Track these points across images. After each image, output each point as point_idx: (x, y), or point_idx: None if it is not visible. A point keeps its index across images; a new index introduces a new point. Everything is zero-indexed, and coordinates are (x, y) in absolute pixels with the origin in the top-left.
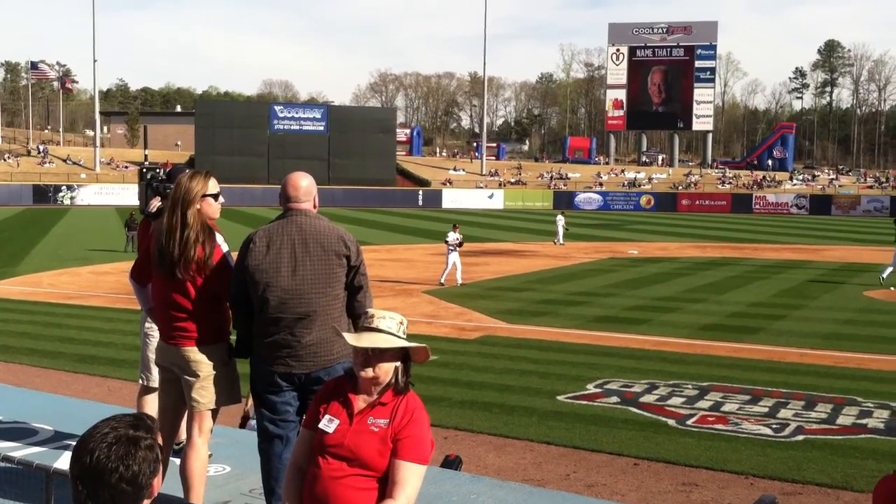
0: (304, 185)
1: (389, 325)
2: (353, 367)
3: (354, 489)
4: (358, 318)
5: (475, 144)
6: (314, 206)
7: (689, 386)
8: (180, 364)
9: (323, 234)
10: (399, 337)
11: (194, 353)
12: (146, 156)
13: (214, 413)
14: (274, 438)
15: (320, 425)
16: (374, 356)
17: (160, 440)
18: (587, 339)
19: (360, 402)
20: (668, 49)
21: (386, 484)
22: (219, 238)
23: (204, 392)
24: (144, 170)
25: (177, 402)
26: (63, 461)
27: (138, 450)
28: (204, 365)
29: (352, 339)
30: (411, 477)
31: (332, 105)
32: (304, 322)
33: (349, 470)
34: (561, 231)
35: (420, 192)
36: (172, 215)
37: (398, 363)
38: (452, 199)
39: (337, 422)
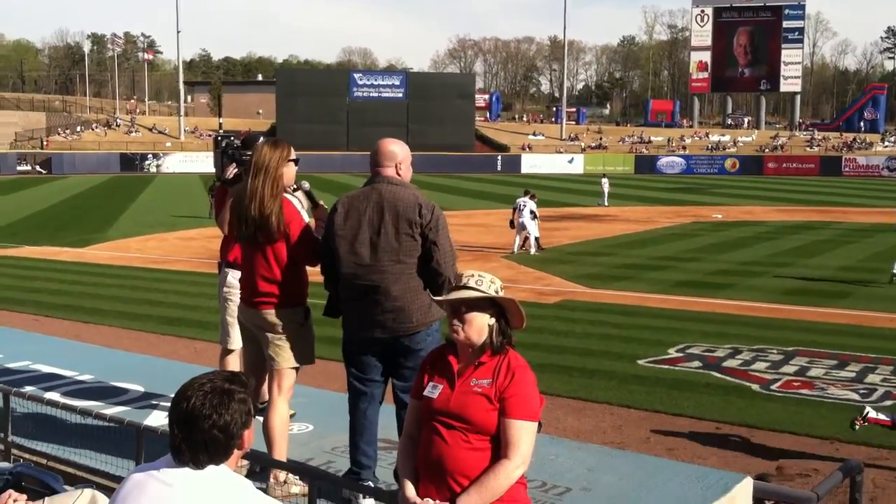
0: (389, 149)
1: (479, 282)
2: (448, 328)
3: (468, 451)
4: (439, 287)
5: (555, 109)
6: (398, 173)
7: (774, 351)
8: (260, 324)
9: (399, 203)
10: (488, 293)
11: (271, 315)
12: (220, 124)
13: (294, 373)
14: (359, 395)
15: (425, 392)
16: (464, 311)
17: None
18: (669, 304)
19: (460, 365)
20: (755, 9)
21: (499, 444)
22: (296, 203)
23: (280, 351)
24: (219, 138)
25: (257, 361)
26: (153, 418)
27: (232, 401)
28: (280, 326)
29: (440, 297)
30: (524, 434)
31: (410, 72)
32: (379, 290)
33: (460, 433)
34: (606, 192)
35: (499, 158)
36: (254, 180)
37: (491, 321)
38: (531, 164)
39: (440, 387)
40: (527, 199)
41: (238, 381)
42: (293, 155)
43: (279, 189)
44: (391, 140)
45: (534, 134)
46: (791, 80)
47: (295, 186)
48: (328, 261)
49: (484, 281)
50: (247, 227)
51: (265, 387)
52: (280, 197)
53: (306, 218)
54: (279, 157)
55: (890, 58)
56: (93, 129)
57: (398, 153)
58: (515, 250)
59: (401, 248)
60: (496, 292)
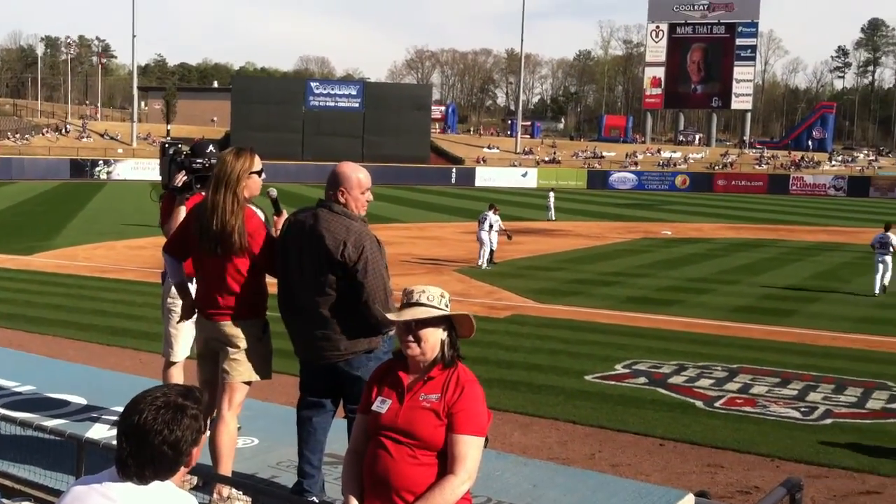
0: (344, 173)
1: (430, 298)
2: (400, 344)
3: (414, 466)
4: (371, 327)
5: (510, 122)
6: (349, 201)
7: (719, 368)
8: (217, 337)
9: (328, 237)
10: (440, 308)
11: (230, 328)
12: (168, 131)
13: (246, 388)
14: (308, 404)
15: (373, 407)
16: (417, 328)
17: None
18: (618, 320)
19: (409, 379)
20: (709, 26)
21: (446, 459)
22: (260, 215)
23: (236, 365)
24: (167, 145)
25: (212, 377)
26: (94, 431)
27: (184, 417)
28: (239, 339)
29: (393, 315)
30: (470, 450)
31: (367, 81)
32: (304, 316)
33: (407, 448)
34: (552, 207)
35: (454, 170)
36: (217, 192)
37: (444, 336)
38: (486, 177)
39: (389, 402)
40: (490, 213)
41: (192, 396)
42: (257, 166)
43: (241, 202)
44: (350, 165)
45: (489, 147)
46: (742, 98)
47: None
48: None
49: (434, 296)
50: (209, 241)
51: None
52: (242, 210)
53: (269, 230)
54: (241, 169)
55: (840, 77)
56: (43, 134)
57: (345, 180)
58: (484, 264)
59: (324, 280)
60: (446, 306)
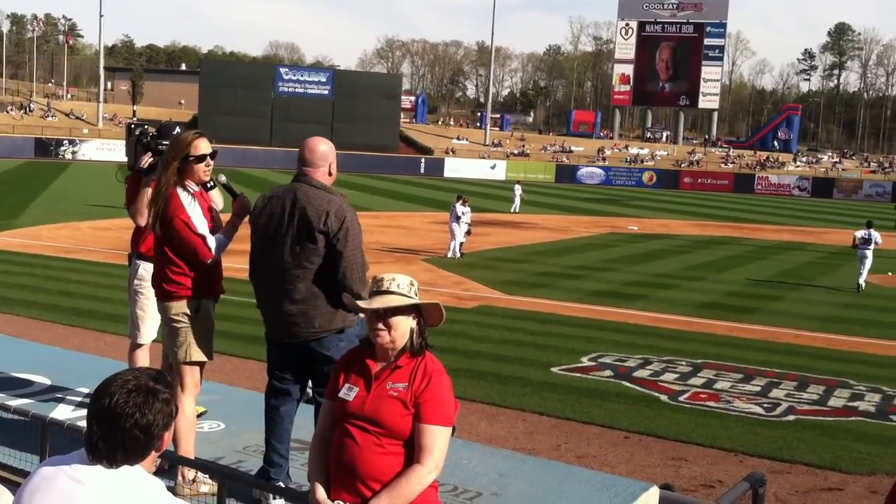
0: (321, 150)
1: (400, 286)
2: (369, 332)
3: (381, 455)
4: (349, 295)
5: (480, 114)
6: (330, 174)
7: (683, 362)
8: (163, 316)
9: (310, 208)
10: (410, 297)
11: (166, 308)
12: (134, 112)
13: (195, 369)
14: (275, 392)
15: (340, 394)
16: (387, 315)
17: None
18: (584, 313)
19: (377, 367)
20: (678, 25)
21: (412, 449)
22: (185, 198)
23: (174, 345)
24: (133, 126)
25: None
26: (59, 412)
27: (155, 401)
28: (172, 319)
29: (364, 303)
30: (437, 440)
31: (337, 69)
32: (280, 291)
33: (373, 437)
34: (518, 200)
35: (423, 160)
36: (161, 174)
37: (413, 324)
38: (455, 167)
39: (356, 389)
40: (458, 204)
41: (163, 380)
42: (202, 150)
43: (169, 183)
44: (320, 139)
45: (458, 138)
46: (709, 97)
47: (211, 181)
48: (252, 256)
49: (404, 285)
50: (153, 220)
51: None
52: (169, 191)
53: (194, 211)
54: (177, 151)
55: (805, 79)
56: (7, 112)
57: (329, 155)
58: (452, 255)
59: (302, 254)
60: (416, 294)
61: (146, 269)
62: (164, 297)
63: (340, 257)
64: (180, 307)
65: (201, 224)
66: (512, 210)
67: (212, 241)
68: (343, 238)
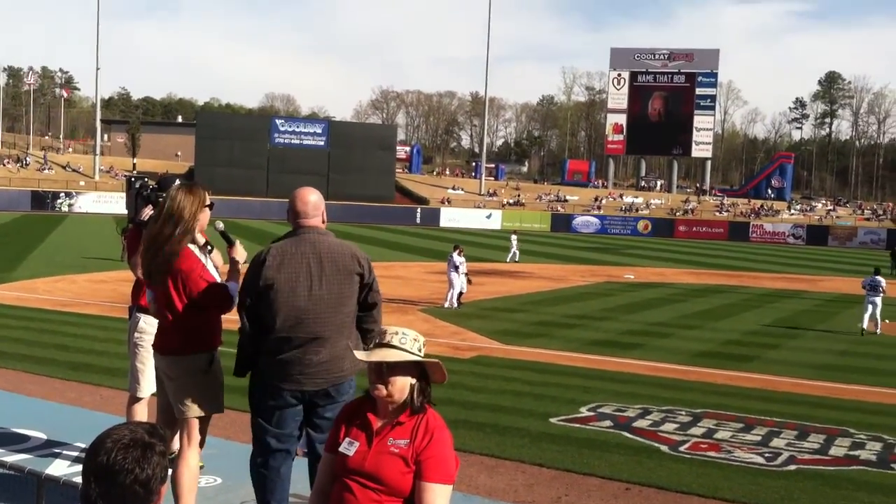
0: (313, 200)
1: (403, 341)
2: (369, 384)
3: None
4: (368, 334)
5: (474, 164)
6: (322, 222)
7: (683, 412)
8: (165, 371)
9: (336, 252)
10: (412, 353)
11: (174, 362)
12: (134, 164)
13: (204, 424)
14: (276, 452)
15: (340, 448)
16: (387, 372)
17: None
18: (582, 363)
19: (378, 423)
20: (670, 75)
21: None
22: (197, 252)
23: (184, 400)
24: (133, 179)
25: (168, 406)
26: (55, 467)
27: (153, 454)
28: (184, 373)
29: (363, 355)
30: (437, 498)
31: (332, 120)
32: (318, 341)
33: (373, 493)
34: (514, 250)
35: (418, 210)
36: (163, 226)
37: (413, 381)
38: (450, 217)
39: (357, 444)
40: (454, 254)
41: (157, 434)
42: (208, 200)
43: (187, 238)
44: (310, 189)
45: (453, 188)
46: (702, 146)
47: (209, 245)
48: (252, 315)
49: (407, 339)
50: (150, 275)
51: (176, 438)
52: (184, 245)
53: (208, 265)
54: (194, 205)
55: (798, 128)
56: (4, 165)
57: (321, 203)
58: (449, 305)
59: (343, 298)
60: (419, 350)
61: (146, 322)
62: (176, 351)
63: (374, 296)
64: (195, 361)
65: (216, 275)
66: (508, 259)
67: (232, 290)
68: (373, 279)
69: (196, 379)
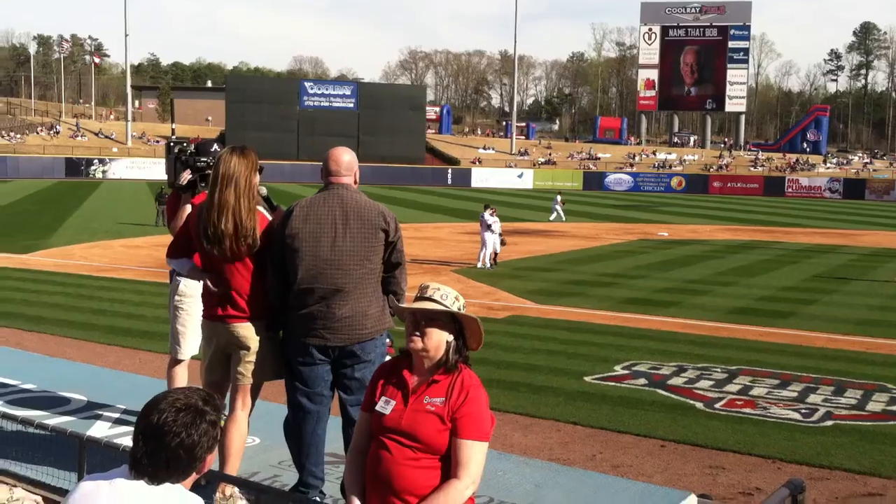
0: (346, 159)
1: (443, 296)
2: (406, 337)
3: (417, 470)
4: (394, 296)
5: (505, 123)
6: (355, 182)
7: (718, 369)
8: (231, 340)
9: (363, 208)
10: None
11: (245, 329)
12: (173, 129)
13: (257, 388)
14: (307, 414)
15: (377, 407)
16: (424, 323)
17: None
18: (616, 321)
19: (414, 381)
20: (701, 29)
21: (449, 463)
22: (267, 214)
23: (251, 366)
24: (172, 143)
25: (221, 380)
26: (96, 429)
27: (202, 422)
28: (252, 340)
29: (403, 305)
30: (474, 455)
31: (361, 82)
32: (339, 294)
33: (410, 451)
34: (559, 209)
35: (449, 171)
36: (224, 192)
37: (449, 338)
38: (482, 178)
39: (393, 403)
40: (486, 213)
41: (212, 402)
42: (258, 164)
43: (255, 202)
44: (344, 149)
45: (484, 148)
46: (736, 101)
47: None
48: (277, 266)
49: (449, 297)
50: (219, 242)
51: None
52: (256, 211)
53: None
54: (250, 168)
55: (833, 80)
56: (38, 133)
57: (354, 163)
58: (483, 265)
59: (366, 252)
60: (459, 309)
61: (187, 285)
62: (243, 318)
63: (398, 255)
64: (260, 327)
65: None
66: (550, 219)
67: None
68: (399, 238)
69: (263, 345)
